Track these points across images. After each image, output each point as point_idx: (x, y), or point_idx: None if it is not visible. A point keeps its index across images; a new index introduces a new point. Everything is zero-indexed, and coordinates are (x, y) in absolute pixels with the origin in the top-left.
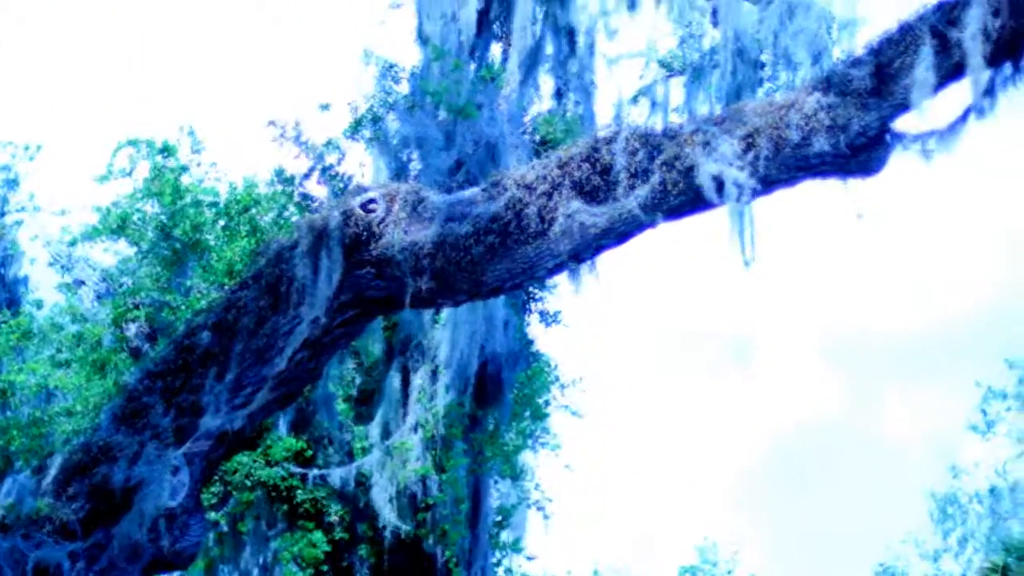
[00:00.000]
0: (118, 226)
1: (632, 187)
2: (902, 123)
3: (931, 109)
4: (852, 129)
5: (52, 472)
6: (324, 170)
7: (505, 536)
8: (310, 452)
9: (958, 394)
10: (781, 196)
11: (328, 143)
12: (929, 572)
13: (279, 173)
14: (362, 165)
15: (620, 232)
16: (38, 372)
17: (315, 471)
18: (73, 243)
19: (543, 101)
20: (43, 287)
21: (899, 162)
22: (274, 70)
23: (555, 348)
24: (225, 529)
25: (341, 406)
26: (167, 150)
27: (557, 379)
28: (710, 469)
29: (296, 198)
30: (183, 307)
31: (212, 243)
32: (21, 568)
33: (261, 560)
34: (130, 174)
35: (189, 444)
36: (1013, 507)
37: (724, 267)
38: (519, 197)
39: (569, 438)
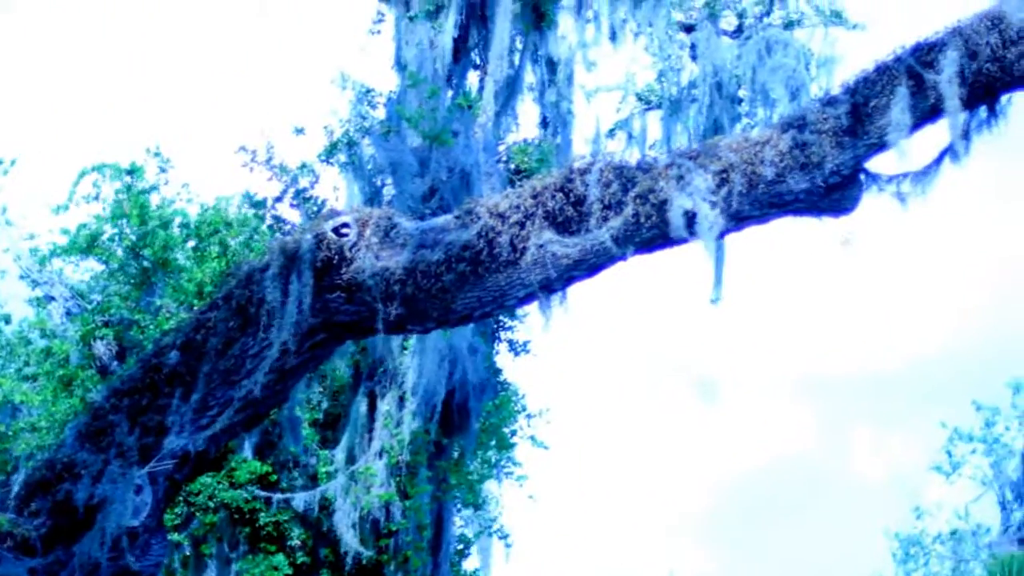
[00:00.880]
0: (88, 245)
1: (605, 219)
2: (877, 163)
3: (906, 150)
4: (826, 167)
5: (15, 488)
6: (297, 193)
7: (467, 565)
8: (274, 476)
9: (925, 436)
10: (756, 233)
11: (302, 166)
12: None
13: (249, 196)
14: (336, 189)
15: (592, 264)
16: (4, 386)
17: (279, 495)
18: (43, 261)
19: (519, 130)
20: (13, 300)
21: (873, 202)
22: (250, 92)
23: (523, 378)
24: (188, 551)
25: (306, 430)
26: (134, 171)
27: (524, 408)
28: (677, 503)
29: (268, 220)
30: (151, 326)
31: (182, 263)
32: None
33: None
34: (96, 198)
35: (153, 463)
36: (975, 549)
37: (696, 301)
38: (491, 226)
39: (535, 469)
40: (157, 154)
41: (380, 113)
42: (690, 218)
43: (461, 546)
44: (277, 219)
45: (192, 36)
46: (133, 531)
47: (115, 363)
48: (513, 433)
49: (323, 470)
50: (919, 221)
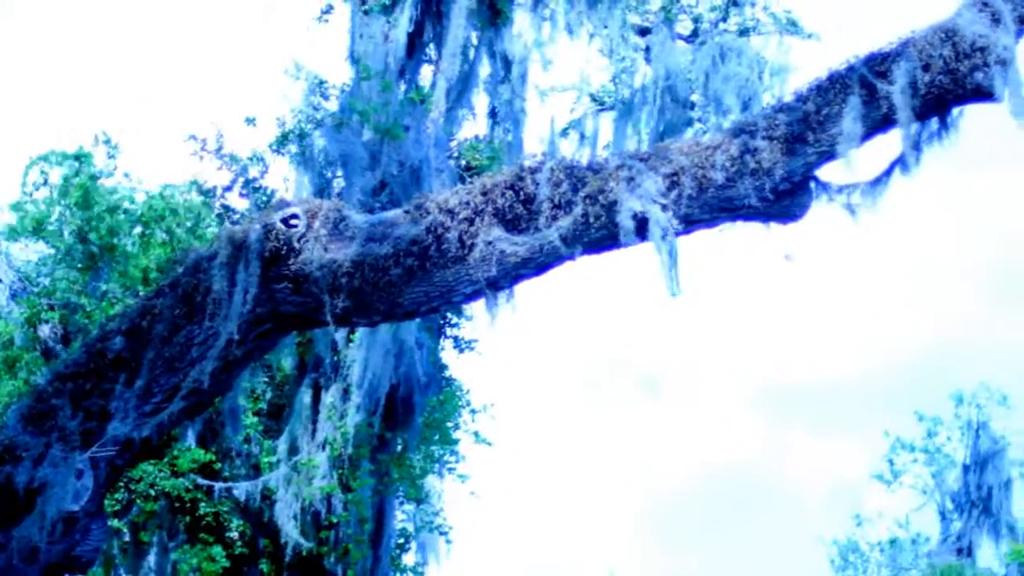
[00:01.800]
0: (35, 228)
1: (554, 218)
2: (828, 172)
3: (855, 161)
4: (776, 174)
5: None
6: (247, 183)
7: (407, 559)
8: (217, 465)
9: (867, 444)
10: (704, 238)
11: (252, 156)
12: None
13: (196, 184)
14: (286, 180)
15: (539, 262)
16: None
17: (220, 484)
18: None
19: (471, 127)
20: None
21: (823, 211)
22: (204, 81)
23: (468, 374)
24: (127, 538)
25: (250, 420)
26: (80, 157)
27: (468, 404)
28: (620, 503)
29: (217, 209)
30: (97, 311)
31: (129, 249)
32: None
33: (160, 571)
34: (45, 184)
35: (95, 449)
36: (914, 558)
37: (648, 302)
38: (441, 221)
39: (478, 465)
40: (106, 141)
41: (333, 105)
42: (639, 220)
43: (402, 540)
44: (226, 208)
45: (147, 26)
46: (73, 516)
47: (60, 346)
48: (456, 428)
49: (266, 460)
50: (866, 231)
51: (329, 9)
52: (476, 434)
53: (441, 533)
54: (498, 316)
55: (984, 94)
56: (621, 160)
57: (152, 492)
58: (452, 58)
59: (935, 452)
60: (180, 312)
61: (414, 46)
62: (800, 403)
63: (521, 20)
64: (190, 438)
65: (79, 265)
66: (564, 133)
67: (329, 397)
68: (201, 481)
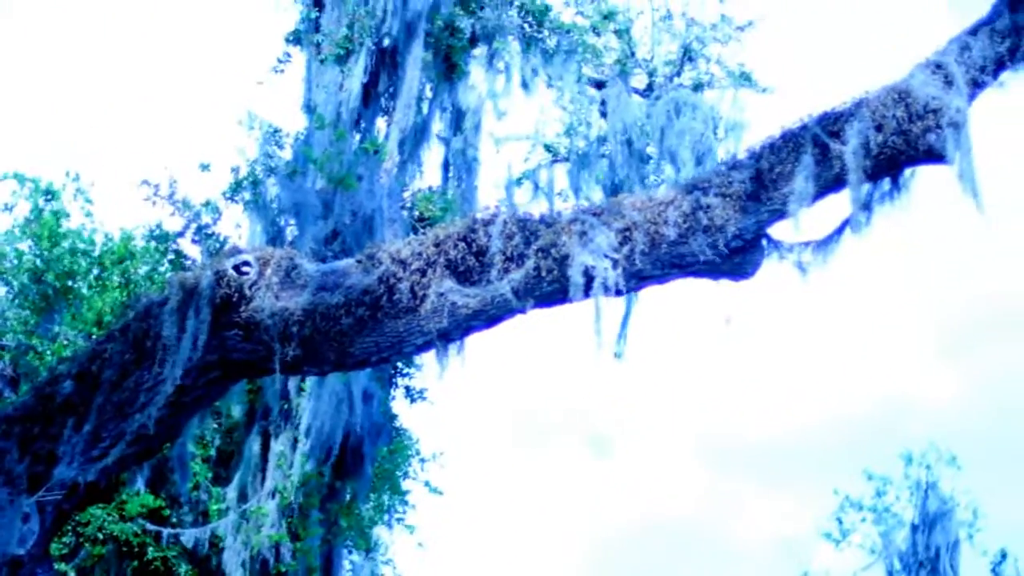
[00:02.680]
0: None
1: (506, 271)
2: (779, 230)
3: (804, 221)
4: (729, 231)
5: None
6: (199, 229)
7: None
8: (166, 510)
9: (815, 502)
10: (656, 294)
11: (206, 203)
12: None
13: (151, 231)
14: (239, 227)
15: (491, 315)
16: None
17: (168, 530)
18: None
19: (424, 177)
20: None
21: (774, 268)
22: (162, 126)
23: (418, 424)
24: None
25: (199, 466)
26: (51, 193)
27: (418, 454)
28: (565, 554)
29: (170, 255)
30: (48, 353)
31: (84, 291)
32: None
33: None
34: (10, 210)
35: (42, 493)
36: None
37: (594, 355)
38: (393, 271)
39: (427, 515)
40: (76, 178)
41: (287, 153)
42: (589, 277)
43: None
44: (178, 254)
45: (106, 67)
46: (19, 559)
47: (8, 389)
48: (405, 477)
49: (215, 507)
50: (814, 288)
51: (287, 58)
52: (427, 483)
53: None
54: (448, 367)
55: (936, 156)
56: (574, 214)
57: (100, 536)
58: (406, 109)
59: (884, 511)
60: (130, 357)
61: (369, 96)
62: (747, 459)
63: (476, 72)
64: (139, 483)
65: (32, 306)
66: (518, 183)
67: (279, 445)
68: (149, 526)
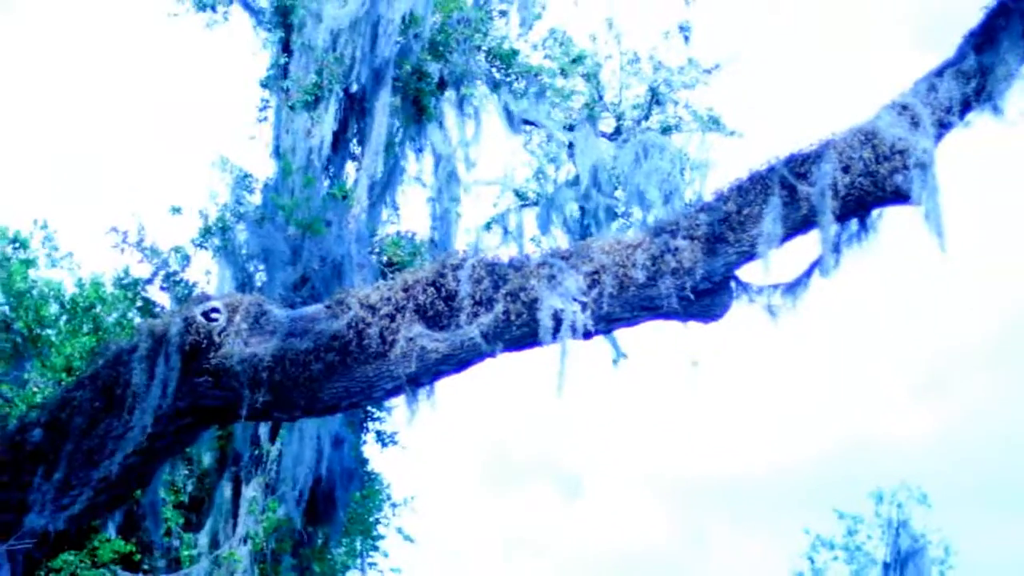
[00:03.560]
0: None
1: (475, 315)
2: (748, 272)
3: (773, 262)
4: (697, 274)
5: None
6: (168, 276)
7: None
8: (138, 556)
9: (786, 541)
10: (626, 334)
11: (175, 249)
12: None
13: (118, 279)
14: (208, 273)
15: (460, 359)
16: None
17: None
18: None
19: (395, 222)
20: None
21: (744, 309)
22: (133, 171)
23: (390, 468)
24: None
25: (171, 512)
26: (18, 241)
27: (390, 498)
28: None
29: (139, 302)
30: (18, 400)
31: (53, 338)
32: None
33: None
34: None
35: (12, 541)
36: None
37: (557, 395)
38: (362, 317)
39: (400, 560)
40: (44, 226)
41: (257, 198)
42: (557, 321)
43: None
44: (147, 301)
45: (81, 111)
46: None
47: None
48: (378, 523)
49: (186, 553)
50: (787, 326)
51: (266, 104)
52: (400, 530)
53: None
54: (418, 412)
55: (903, 197)
56: (543, 258)
57: None
58: (375, 155)
59: (856, 550)
60: (100, 405)
61: (338, 142)
62: (718, 499)
63: (446, 116)
64: (110, 529)
65: (2, 354)
66: (487, 227)
67: (250, 491)
68: (121, 573)
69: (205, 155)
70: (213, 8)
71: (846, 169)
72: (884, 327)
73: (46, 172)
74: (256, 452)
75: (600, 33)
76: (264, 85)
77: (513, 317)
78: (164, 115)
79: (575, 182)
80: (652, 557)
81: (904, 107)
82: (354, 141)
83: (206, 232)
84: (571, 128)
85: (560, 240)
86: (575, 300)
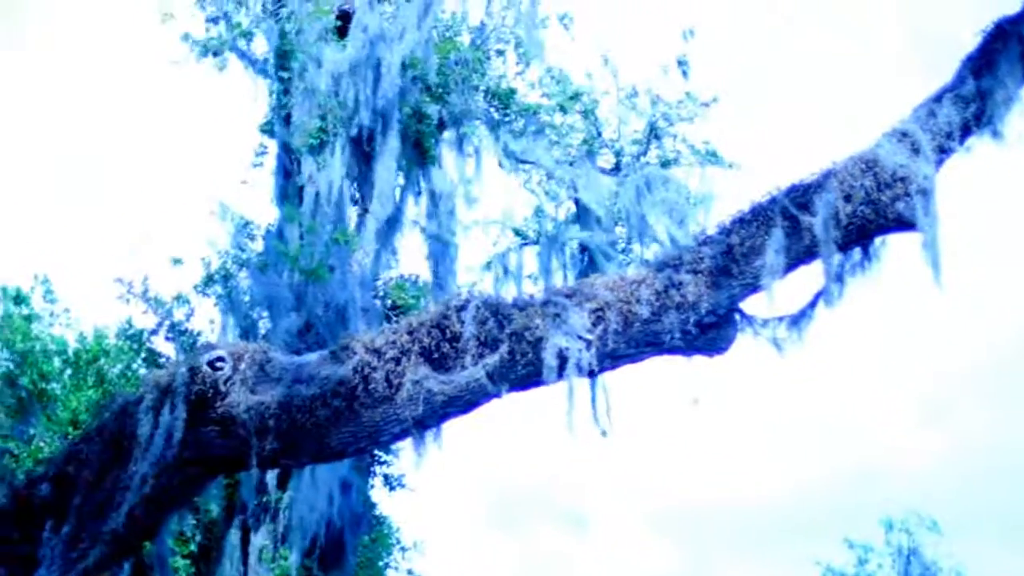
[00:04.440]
0: None
1: (481, 356)
2: (753, 305)
3: (777, 294)
4: (701, 308)
5: None
6: (172, 326)
7: None
8: None
9: (796, 571)
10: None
11: (178, 298)
12: None
13: (123, 330)
14: (211, 322)
15: (467, 400)
16: None
17: None
18: None
19: (398, 266)
20: None
21: (750, 341)
22: (134, 220)
23: (398, 511)
24: None
25: (180, 563)
26: (20, 299)
27: (399, 542)
28: None
29: (144, 353)
30: (25, 455)
31: (58, 392)
32: None
33: None
34: None
35: None
36: None
37: (565, 432)
38: (367, 361)
39: None
40: (45, 281)
41: (258, 245)
42: (562, 360)
43: None
44: (152, 352)
45: (78, 161)
46: None
47: None
48: (388, 567)
49: None
50: (794, 355)
51: (264, 151)
52: (410, 571)
53: None
54: (426, 455)
55: (906, 224)
56: (546, 297)
57: None
58: (382, 198)
59: None
60: (107, 457)
61: (341, 186)
62: (726, 529)
63: (446, 157)
64: None
65: (7, 410)
66: (488, 267)
67: (259, 539)
68: None
69: (203, 203)
70: (216, 53)
71: (848, 198)
72: (891, 353)
73: (43, 228)
74: (263, 500)
75: (596, 70)
76: (263, 131)
77: (518, 357)
78: (162, 161)
79: (576, 219)
80: None
81: (904, 134)
82: (355, 184)
83: (208, 280)
84: (571, 164)
85: (559, 279)
86: (580, 338)
